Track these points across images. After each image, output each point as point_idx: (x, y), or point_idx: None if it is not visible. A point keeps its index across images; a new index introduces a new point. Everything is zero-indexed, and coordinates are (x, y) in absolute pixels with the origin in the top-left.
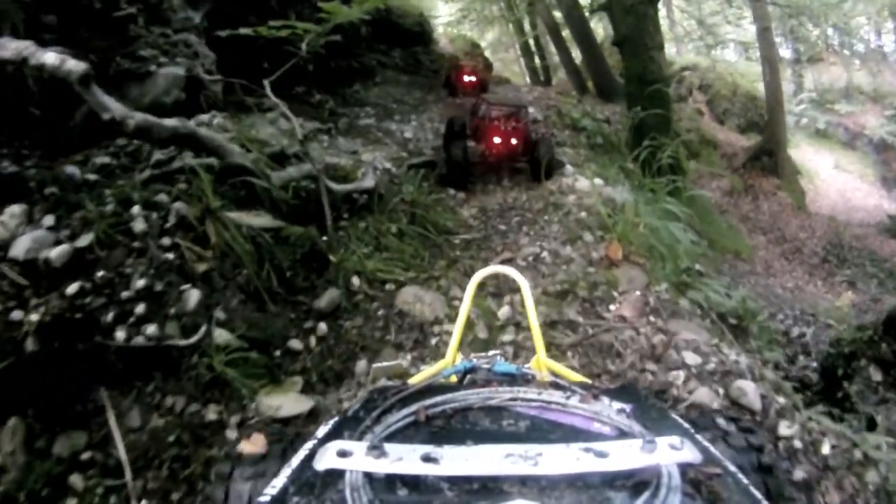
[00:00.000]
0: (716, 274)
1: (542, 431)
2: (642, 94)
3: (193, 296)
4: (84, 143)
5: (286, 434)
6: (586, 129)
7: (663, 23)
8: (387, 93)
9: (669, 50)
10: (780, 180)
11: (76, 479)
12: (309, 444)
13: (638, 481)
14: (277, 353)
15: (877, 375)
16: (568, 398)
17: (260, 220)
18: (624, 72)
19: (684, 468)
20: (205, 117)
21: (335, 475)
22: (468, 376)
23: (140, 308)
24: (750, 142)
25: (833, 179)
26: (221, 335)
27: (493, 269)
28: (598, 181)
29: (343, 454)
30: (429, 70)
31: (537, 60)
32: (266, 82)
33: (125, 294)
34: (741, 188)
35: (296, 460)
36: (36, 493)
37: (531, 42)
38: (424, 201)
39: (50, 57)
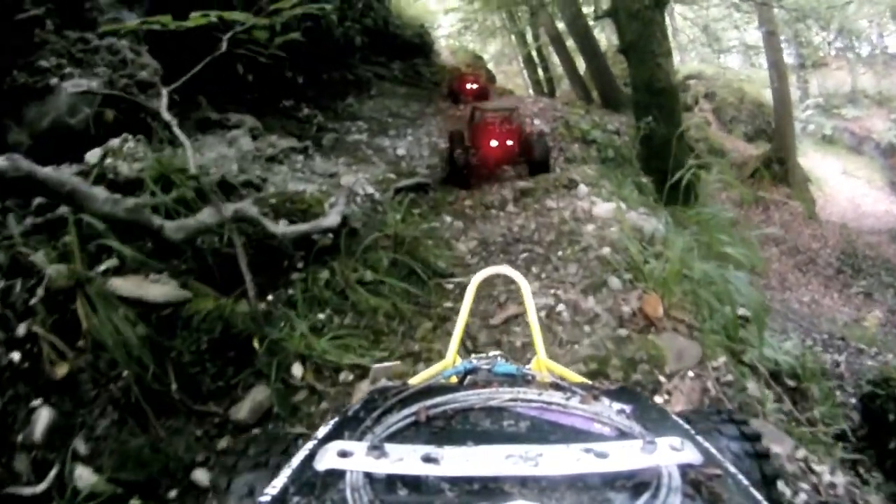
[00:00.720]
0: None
1: (543, 432)
2: (651, 102)
3: (43, 417)
4: None
5: None
6: (596, 141)
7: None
8: (382, 106)
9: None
10: (790, 189)
11: None
12: (309, 445)
13: (638, 482)
14: (173, 493)
15: None
16: (568, 399)
17: (157, 290)
18: (630, 80)
19: (685, 469)
20: (114, 142)
21: (336, 475)
22: (468, 377)
23: None
24: (758, 150)
25: (842, 186)
26: (83, 476)
27: (493, 269)
28: (619, 205)
29: (343, 454)
30: (429, 82)
31: (540, 72)
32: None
33: None
34: (751, 199)
35: (296, 460)
36: None
37: (534, 53)
38: (412, 234)
39: None
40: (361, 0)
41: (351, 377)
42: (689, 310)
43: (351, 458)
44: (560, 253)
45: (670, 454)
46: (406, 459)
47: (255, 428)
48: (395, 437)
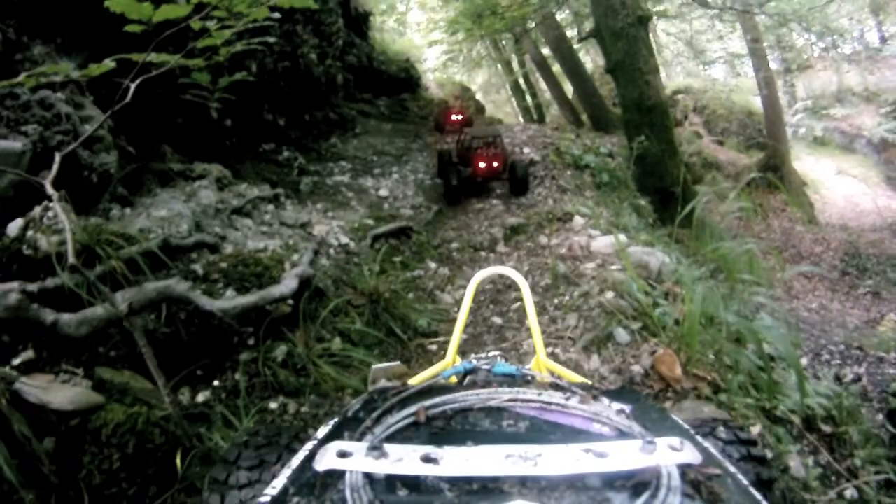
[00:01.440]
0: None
1: (542, 432)
2: (642, 121)
3: None
4: None
5: None
6: (590, 166)
7: None
8: (367, 144)
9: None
10: (787, 195)
11: None
12: (309, 445)
13: (638, 482)
14: None
15: None
16: (567, 399)
17: (64, 394)
18: (619, 100)
19: (684, 469)
20: (36, 211)
21: (335, 476)
22: (468, 377)
23: None
24: (752, 159)
25: (838, 186)
26: None
27: (493, 270)
28: (620, 238)
29: (343, 455)
30: (416, 116)
31: (528, 99)
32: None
33: None
34: (750, 209)
35: (296, 461)
36: None
37: (521, 80)
38: (391, 288)
39: None
40: (341, 38)
41: None
42: (711, 364)
43: (351, 458)
44: (557, 301)
45: (670, 454)
46: (406, 460)
47: None
48: (394, 438)
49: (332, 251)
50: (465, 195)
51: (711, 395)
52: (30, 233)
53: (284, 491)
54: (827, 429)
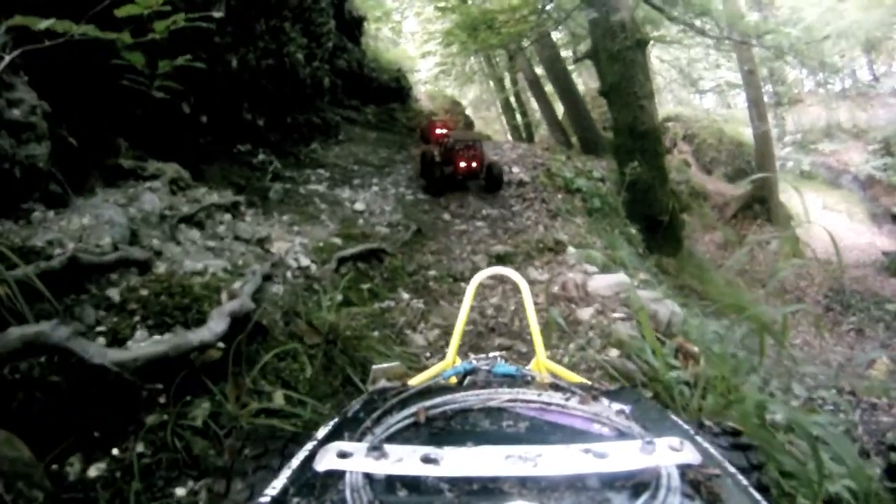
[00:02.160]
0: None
1: (542, 433)
2: (634, 146)
3: None
4: None
5: None
6: (581, 190)
7: None
8: (349, 152)
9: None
10: (773, 228)
11: None
12: (309, 445)
13: (637, 482)
14: None
15: None
16: (567, 399)
17: None
18: (613, 124)
19: (684, 469)
20: None
21: (335, 476)
22: (468, 378)
23: None
24: (739, 190)
25: (823, 221)
26: None
27: (493, 270)
28: (620, 277)
29: (343, 455)
30: (404, 127)
31: (518, 117)
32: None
33: None
34: (735, 240)
35: (296, 461)
36: None
37: (512, 99)
38: (353, 324)
39: None
40: (332, 40)
41: None
42: None
43: (351, 458)
44: (548, 354)
45: (669, 454)
46: (406, 460)
47: None
48: (394, 438)
49: (289, 274)
50: (446, 190)
51: None
52: None
53: (284, 491)
54: None
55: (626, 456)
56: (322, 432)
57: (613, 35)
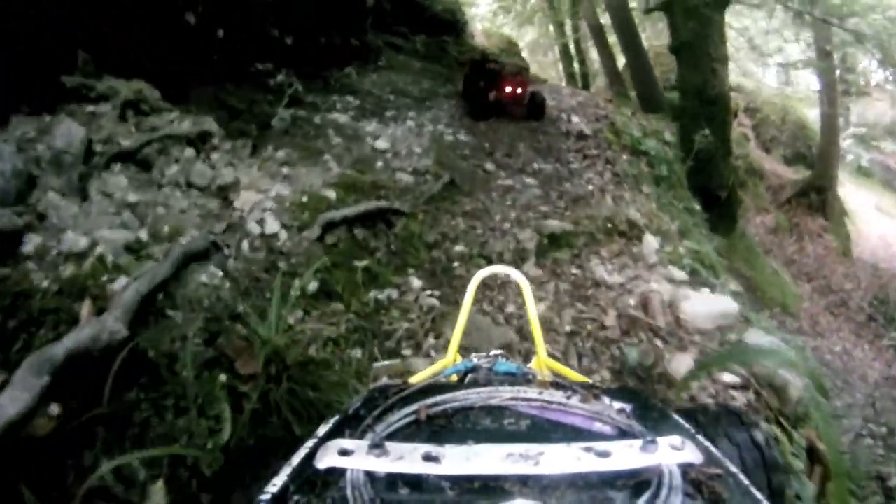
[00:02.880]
0: None
1: (543, 431)
2: (700, 111)
3: None
4: None
5: None
6: (649, 154)
7: None
8: (388, 80)
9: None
10: (827, 221)
11: None
12: (310, 443)
13: (639, 481)
14: None
15: None
16: (569, 398)
17: None
18: (679, 84)
19: (685, 468)
20: None
21: (336, 474)
22: (469, 376)
23: None
24: (798, 175)
25: (875, 222)
26: None
27: (494, 269)
28: (725, 303)
29: (344, 453)
30: (454, 62)
31: (576, 66)
32: None
33: None
34: (787, 226)
35: (296, 459)
36: None
37: (571, 46)
38: (320, 338)
39: None
40: None
41: None
42: None
43: (352, 456)
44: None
45: (671, 453)
46: (407, 458)
47: None
48: (395, 436)
49: (245, 245)
50: (490, 115)
51: None
52: None
53: (285, 489)
54: None
55: (627, 455)
56: (323, 430)
57: None
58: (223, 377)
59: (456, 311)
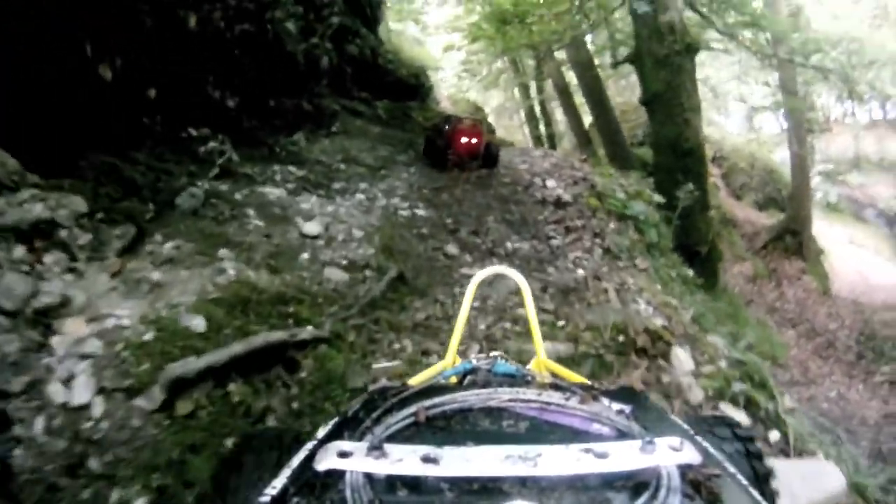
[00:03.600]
0: None
1: (542, 432)
2: (675, 165)
3: None
4: None
5: None
6: (637, 219)
7: None
8: (341, 147)
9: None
10: (804, 262)
11: None
12: (309, 445)
13: (637, 482)
14: None
15: None
16: (567, 399)
17: None
18: (652, 138)
19: (684, 469)
20: None
21: (336, 476)
22: (468, 377)
23: None
24: (771, 219)
25: (850, 256)
26: None
27: (493, 269)
28: (832, 481)
29: (343, 455)
30: (419, 128)
31: (542, 127)
32: None
33: None
34: (765, 273)
35: (296, 461)
36: None
37: (537, 108)
38: None
39: None
40: (337, 16)
41: None
42: None
43: (351, 458)
44: None
45: (669, 454)
46: (406, 460)
47: None
48: (394, 438)
49: (39, 424)
50: (448, 165)
51: None
52: None
53: (284, 491)
54: None
55: (626, 456)
56: (322, 432)
57: (661, 37)
58: None
59: None
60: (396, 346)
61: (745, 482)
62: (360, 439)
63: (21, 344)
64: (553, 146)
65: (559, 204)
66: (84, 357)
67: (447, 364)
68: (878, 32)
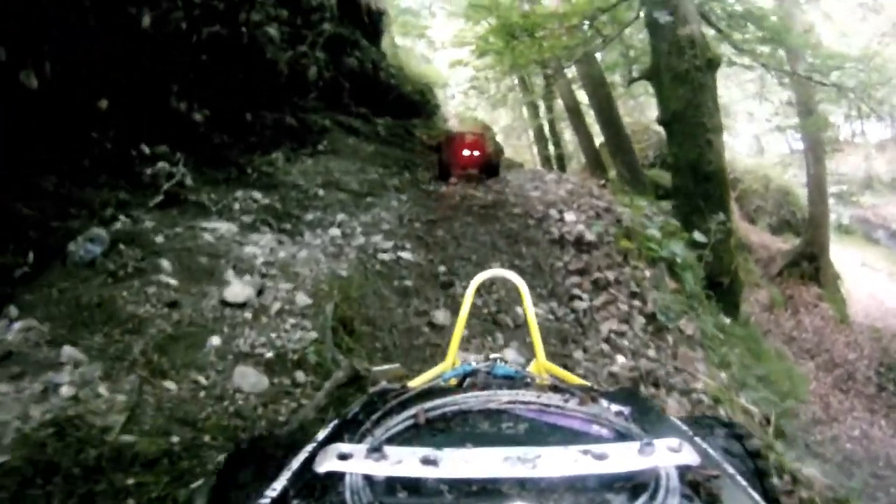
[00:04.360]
0: None
1: (541, 434)
2: (696, 190)
3: None
4: None
5: None
6: (675, 262)
7: None
8: (325, 169)
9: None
10: (820, 289)
11: None
12: (309, 447)
13: (636, 483)
14: None
15: None
16: (566, 401)
17: None
18: (672, 160)
19: (683, 470)
20: None
21: (335, 478)
22: (468, 379)
23: None
24: (786, 244)
25: (863, 280)
26: None
27: (492, 272)
28: None
29: (343, 457)
30: (421, 146)
31: (551, 148)
32: None
33: None
34: (781, 301)
35: (296, 463)
36: None
37: (546, 127)
38: None
39: None
40: (328, 22)
41: None
42: None
43: (350, 460)
44: None
45: (668, 455)
46: (405, 462)
47: None
48: (394, 440)
49: None
50: (451, 177)
51: None
52: None
53: (284, 493)
54: None
55: (624, 457)
56: (322, 434)
57: (681, 51)
58: None
59: None
60: None
61: (744, 483)
62: (359, 441)
63: None
64: (562, 167)
65: (581, 245)
66: None
67: (447, 366)
68: (887, 49)
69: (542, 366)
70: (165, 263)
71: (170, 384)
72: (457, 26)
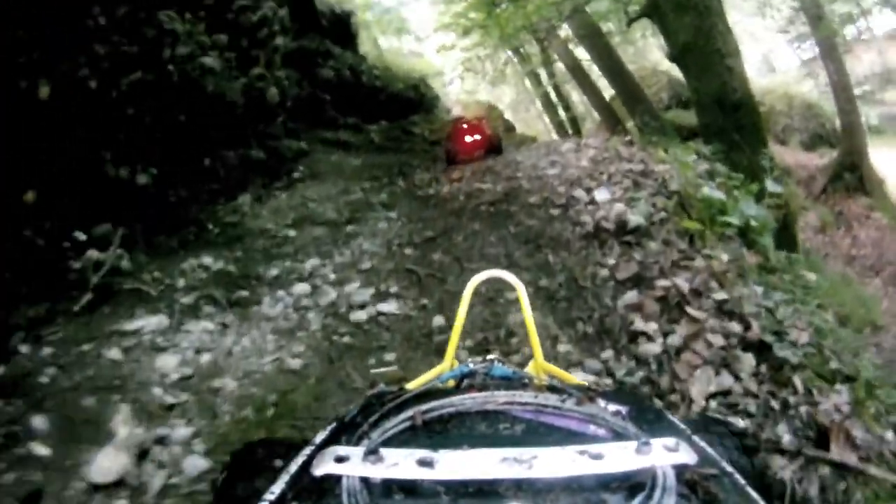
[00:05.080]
0: None
1: (538, 435)
2: (726, 123)
3: None
4: None
5: None
6: (750, 229)
7: None
8: (300, 201)
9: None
10: (869, 198)
11: None
12: (306, 450)
13: (633, 483)
14: None
15: None
16: (564, 401)
17: None
18: (693, 96)
19: (680, 469)
20: None
21: (332, 481)
22: (465, 380)
23: None
24: (823, 159)
25: None
26: None
27: (490, 273)
28: None
29: (340, 459)
30: (424, 143)
31: (561, 112)
32: None
33: None
34: (831, 220)
35: (293, 466)
36: None
37: (551, 92)
38: None
39: None
40: (281, 35)
41: None
42: None
43: (347, 463)
44: None
45: (665, 455)
46: (402, 464)
47: None
48: (391, 442)
49: None
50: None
51: None
52: None
53: (282, 496)
54: None
55: (621, 457)
56: (319, 437)
57: None
58: None
59: None
60: None
61: (742, 481)
62: (356, 444)
63: None
64: (577, 130)
65: (626, 235)
66: None
67: (444, 368)
68: None
69: (540, 366)
70: (40, 423)
71: None
72: (438, 12)
